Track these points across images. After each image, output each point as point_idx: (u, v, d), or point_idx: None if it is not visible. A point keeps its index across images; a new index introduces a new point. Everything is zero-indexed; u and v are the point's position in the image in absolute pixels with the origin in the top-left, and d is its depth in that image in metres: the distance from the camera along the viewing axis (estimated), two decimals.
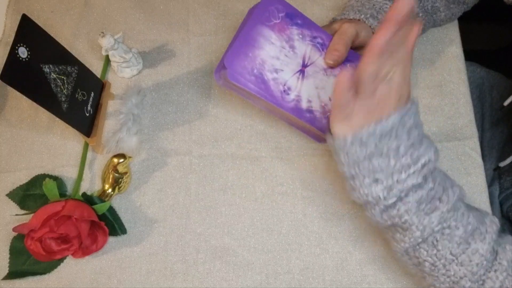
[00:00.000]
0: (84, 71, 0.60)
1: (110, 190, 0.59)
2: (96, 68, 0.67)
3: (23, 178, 0.62)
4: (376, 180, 0.43)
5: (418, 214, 0.43)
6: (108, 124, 0.64)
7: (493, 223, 0.46)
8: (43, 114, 0.66)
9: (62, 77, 0.55)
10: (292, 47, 0.52)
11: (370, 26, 0.55)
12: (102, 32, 0.60)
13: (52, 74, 0.53)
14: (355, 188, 0.45)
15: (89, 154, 0.63)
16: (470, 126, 0.61)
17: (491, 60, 0.84)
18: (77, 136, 0.64)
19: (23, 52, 0.49)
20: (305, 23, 0.53)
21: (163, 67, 0.68)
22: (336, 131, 0.44)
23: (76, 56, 0.58)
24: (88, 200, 0.58)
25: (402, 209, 0.43)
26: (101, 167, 0.62)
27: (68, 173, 0.63)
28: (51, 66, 0.53)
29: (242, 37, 0.50)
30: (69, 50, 0.57)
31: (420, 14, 0.58)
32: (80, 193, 0.59)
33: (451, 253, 0.43)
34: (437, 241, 0.43)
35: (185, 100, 0.65)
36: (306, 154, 0.61)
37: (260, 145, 0.62)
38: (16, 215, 0.60)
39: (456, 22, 0.66)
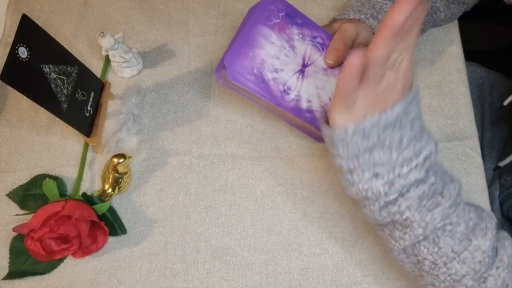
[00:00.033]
0: (84, 71, 0.60)
1: (110, 190, 0.59)
2: (96, 68, 0.67)
3: (23, 178, 0.62)
4: (376, 175, 0.41)
5: (420, 210, 0.41)
6: (108, 124, 0.64)
7: (491, 218, 0.44)
8: (43, 114, 0.66)
9: (62, 77, 0.55)
10: (292, 46, 0.52)
11: (370, 26, 0.55)
12: (102, 32, 0.60)
13: (52, 74, 0.53)
14: (353, 183, 0.42)
15: (89, 154, 0.63)
16: (470, 126, 0.61)
17: (491, 60, 0.84)
18: (77, 136, 0.64)
19: (23, 52, 0.49)
20: (305, 22, 0.53)
21: (163, 67, 0.68)
22: (336, 120, 0.41)
23: (76, 56, 0.58)
24: (88, 200, 0.58)
25: (403, 205, 0.41)
26: (101, 167, 0.62)
27: (68, 173, 0.63)
28: (51, 66, 0.53)
29: (242, 37, 0.50)
30: (69, 50, 0.57)
31: None
32: (80, 193, 0.59)
33: (452, 251, 0.42)
34: (438, 238, 0.42)
35: (185, 100, 0.65)
36: (306, 154, 0.61)
37: (260, 145, 0.62)
38: (16, 215, 0.60)
39: (456, 22, 0.66)
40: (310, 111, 0.52)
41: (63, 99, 0.55)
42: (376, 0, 0.57)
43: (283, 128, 0.63)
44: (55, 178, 0.62)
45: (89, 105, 0.61)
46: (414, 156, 0.40)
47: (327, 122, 0.44)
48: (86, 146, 0.63)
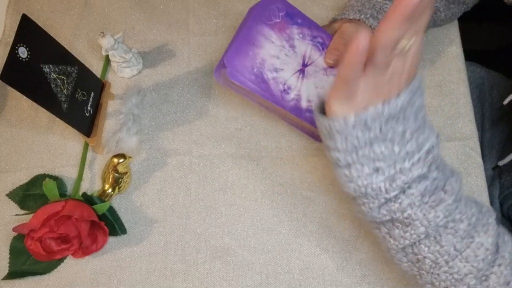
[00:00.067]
0: (84, 71, 0.60)
1: (110, 190, 0.59)
2: (96, 68, 0.67)
3: (23, 178, 0.62)
4: (376, 170, 0.38)
5: (423, 207, 0.39)
6: (108, 124, 0.64)
7: (491, 213, 0.43)
8: (43, 114, 0.66)
9: (62, 77, 0.55)
10: (292, 46, 0.52)
11: (370, 26, 0.55)
12: (102, 32, 0.60)
13: (52, 74, 0.53)
14: (352, 179, 0.39)
15: (89, 154, 0.63)
16: (470, 126, 0.61)
17: (491, 60, 0.84)
18: (77, 136, 0.64)
19: (23, 52, 0.49)
20: (305, 22, 0.53)
21: (163, 67, 0.68)
22: (335, 110, 0.38)
23: (76, 56, 0.58)
24: (88, 200, 0.58)
25: (405, 203, 0.38)
26: (101, 167, 0.62)
27: (68, 173, 0.63)
28: (51, 66, 0.53)
29: (243, 36, 0.50)
30: (69, 50, 0.57)
31: None
32: (80, 193, 0.59)
33: (455, 249, 0.40)
34: (440, 236, 0.40)
35: (185, 100, 0.65)
36: (306, 154, 0.61)
37: (260, 145, 0.62)
38: (16, 215, 0.60)
39: (456, 22, 0.66)
40: (310, 110, 0.53)
41: (63, 99, 0.55)
42: (376, 0, 0.57)
43: (283, 128, 0.63)
44: (55, 178, 0.62)
45: (89, 105, 0.61)
46: (416, 150, 0.38)
47: (322, 111, 0.41)
48: (86, 146, 0.63)
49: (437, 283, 0.42)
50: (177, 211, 0.60)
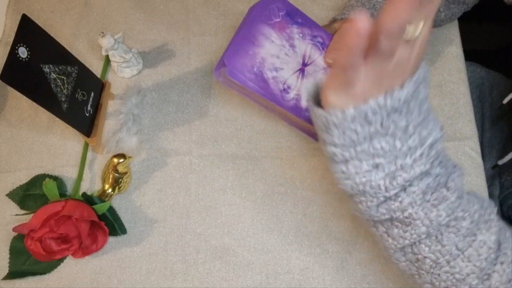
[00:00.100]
0: (84, 71, 0.60)
1: (110, 190, 0.59)
2: (96, 68, 0.67)
3: (23, 178, 0.62)
4: (376, 166, 0.35)
5: (424, 206, 0.36)
6: (108, 124, 0.64)
7: (492, 207, 0.41)
8: (43, 114, 0.66)
9: (62, 77, 0.55)
10: (292, 45, 0.52)
11: None
12: (102, 32, 0.60)
13: (52, 74, 0.53)
14: (349, 176, 0.37)
15: (89, 154, 0.63)
16: (470, 126, 0.61)
17: (491, 60, 0.84)
18: (77, 136, 0.64)
19: (23, 52, 0.49)
20: (305, 22, 0.53)
21: (163, 67, 0.68)
22: (332, 101, 0.35)
23: (76, 56, 0.58)
24: (88, 200, 0.58)
25: (405, 201, 0.36)
26: (101, 167, 0.62)
27: (68, 173, 0.63)
28: (51, 66, 0.53)
29: (243, 35, 0.50)
30: (69, 50, 0.57)
31: None
32: (80, 193, 0.59)
33: (457, 248, 0.38)
34: (441, 235, 0.37)
35: (185, 100, 0.65)
36: (306, 154, 0.61)
37: (260, 145, 0.62)
38: (16, 215, 0.60)
39: (456, 22, 0.66)
40: None
41: (63, 99, 0.55)
42: (376, 0, 0.57)
43: (283, 128, 0.63)
44: (55, 178, 0.62)
45: (89, 105, 0.61)
46: (419, 145, 0.35)
47: (317, 103, 0.38)
48: (86, 146, 0.63)
49: (437, 283, 0.40)
50: (177, 211, 0.60)
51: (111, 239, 0.59)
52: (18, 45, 0.49)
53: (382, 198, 0.37)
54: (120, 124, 0.61)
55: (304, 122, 0.53)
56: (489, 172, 0.70)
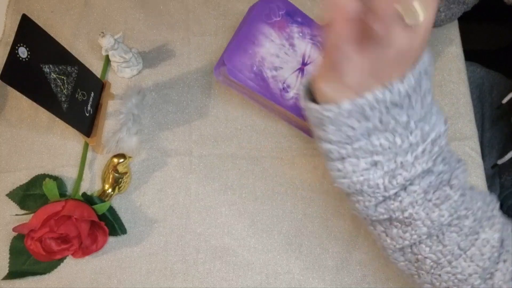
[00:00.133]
0: (84, 71, 0.60)
1: (110, 190, 0.59)
2: (96, 68, 0.67)
3: (23, 178, 0.62)
4: (375, 164, 0.33)
5: (426, 205, 0.34)
6: (108, 124, 0.64)
7: (495, 202, 0.39)
8: (43, 114, 0.66)
9: (62, 77, 0.55)
10: (292, 45, 0.52)
11: None
12: (102, 32, 0.60)
13: (52, 74, 0.53)
14: (346, 174, 0.34)
15: (89, 154, 0.63)
16: (470, 126, 0.61)
17: (491, 60, 0.84)
18: (77, 136, 0.64)
19: (23, 52, 0.49)
20: (305, 21, 0.54)
21: (163, 67, 0.68)
22: (325, 93, 0.32)
23: (76, 56, 0.58)
24: (88, 200, 0.58)
25: (405, 201, 0.34)
26: (101, 167, 0.62)
27: (68, 173, 0.63)
28: (51, 66, 0.53)
29: (242, 34, 0.50)
30: (69, 50, 0.57)
31: None
32: (80, 193, 0.59)
33: (459, 247, 0.36)
34: (443, 234, 0.35)
35: (185, 100, 0.65)
36: (306, 154, 0.61)
37: (260, 145, 0.62)
38: (16, 215, 0.60)
39: (456, 22, 0.66)
40: None
41: (63, 99, 0.55)
42: None
43: (283, 128, 0.63)
44: (55, 178, 0.62)
45: (89, 105, 0.61)
46: (421, 141, 0.33)
47: (311, 98, 0.35)
48: (86, 146, 0.63)
49: (437, 284, 0.38)
50: (177, 211, 0.60)
51: (111, 239, 0.59)
52: (18, 45, 0.49)
53: (380, 198, 0.35)
54: (120, 124, 0.61)
55: (303, 121, 0.53)
56: (489, 172, 0.70)
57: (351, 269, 0.56)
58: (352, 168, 0.34)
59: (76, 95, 0.58)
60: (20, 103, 0.67)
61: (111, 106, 0.65)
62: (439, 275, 0.37)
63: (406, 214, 0.35)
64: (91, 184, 0.62)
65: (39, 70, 0.52)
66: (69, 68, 0.56)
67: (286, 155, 0.61)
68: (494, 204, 0.39)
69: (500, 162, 0.65)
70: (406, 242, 0.37)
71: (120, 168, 0.59)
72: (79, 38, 0.70)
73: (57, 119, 0.55)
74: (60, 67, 0.55)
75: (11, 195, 0.62)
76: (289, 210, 0.59)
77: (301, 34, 0.53)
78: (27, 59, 0.49)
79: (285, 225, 0.58)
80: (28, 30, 0.50)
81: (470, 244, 0.36)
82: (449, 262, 0.36)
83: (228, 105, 0.64)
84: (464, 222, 0.35)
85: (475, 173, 0.59)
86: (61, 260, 0.59)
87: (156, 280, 0.57)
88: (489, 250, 0.36)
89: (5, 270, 0.58)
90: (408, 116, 0.32)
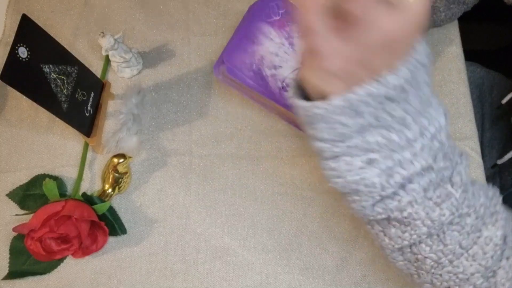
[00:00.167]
0: (84, 71, 0.60)
1: (110, 190, 0.59)
2: (96, 68, 0.67)
3: (23, 178, 0.62)
4: (370, 162, 0.31)
5: (426, 204, 0.32)
6: (108, 124, 0.64)
7: (497, 196, 0.37)
8: (43, 114, 0.66)
9: (62, 77, 0.55)
10: (291, 44, 0.52)
11: None
12: (102, 32, 0.60)
13: (52, 74, 0.53)
14: (339, 173, 0.32)
15: (89, 154, 0.63)
16: (470, 126, 0.61)
17: (491, 60, 0.84)
18: (77, 136, 0.64)
19: (23, 52, 0.49)
20: None
21: (163, 67, 0.68)
22: (313, 83, 0.30)
23: (76, 56, 0.58)
24: (88, 200, 0.58)
25: (404, 200, 0.32)
26: (101, 167, 0.62)
27: (68, 173, 0.63)
28: (51, 66, 0.53)
29: (242, 33, 0.50)
30: (69, 50, 0.57)
31: None
32: (80, 193, 0.59)
33: (460, 246, 0.34)
34: (444, 233, 0.34)
35: (185, 100, 0.65)
36: (306, 154, 0.61)
37: (260, 145, 0.62)
38: (16, 215, 0.60)
39: (456, 22, 0.66)
40: None
41: (63, 99, 0.55)
42: None
43: (283, 128, 0.63)
44: (55, 178, 0.62)
45: (89, 105, 0.61)
46: (419, 136, 0.31)
47: (302, 94, 0.33)
48: (86, 146, 0.63)
49: (438, 283, 0.37)
50: (177, 211, 0.60)
51: (111, 239, 0.59)
52: (18, 45, 0.49)
53: (378, 197, 0.33)
54: (120, 124, 0.61)
55: None
56: (489, 172, 0.70)
57: (351, 269, 0.56)
58: (347, 167, 0.32)
59: (76, 95, 0.58)
60: (20, 103, 0.67)
61: (111, 106, 0.65)
62: (440, 274, 0.36)
63: (405, 214, 0.33)
64: (91, 184, 0.62)
65: (39, 70, 0.52)
66: (69, 68, 0.56)
67: (286, 155, 0.61)
68: (496, 198, 0.37)
69: (500, 162, 0.65)
70: (405, 242, 0.35)
71: (120, 168, 0.59)
72: (79, 38, 0.70)
73: (57, 119, 0.54)
74: (60, 67, 0.55)
75: (11, 195, 0.62)
76: (289, 210, 0.59)
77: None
78: (27, 59, 0.49)
79: (285, 225, 0.58)
80: (28, 30, 0.50)
81: (472, 242, 0.34)
82: (451, 262, 0.35)
83: (228, 105, 0.64)
84: (466, 220, 0.34)
85: (475, 173, 0.58)
86: (61, 260, 0.59)
87: (156, 280, 0.57)
88: (492, 248, 0.34)
89: (5, 270, 0.58)
90: (404, 110, 0.30)
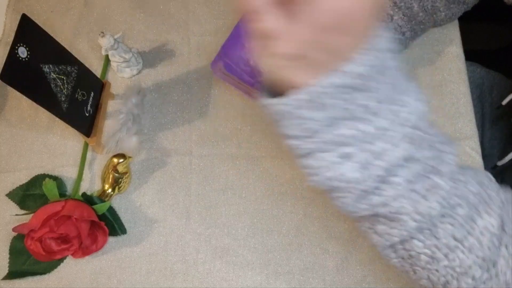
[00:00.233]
0: (84, 71, 0.60)
1: (110, 190, 0.59)
2: (96, 68, 0.67)
3: (23, 178, 0.62)
4: (345, 156, 0.29)
5: (412, 198, 0.31)
6: (108, 124, 0.64)
7: (490, 182, 0.35)
8: (43, 114, 0.66)
9: (62, 77, 0.55)
10: None
11: None
12: (102, 32, 0.60)
13: (52, 74, 0.53)
14: (316, 171, 0.31)
15: (89, 154, 0.63)
16: (470, 126, 0.61)
17: (491, 60, 0.84)
18: (77, 136, 0.64)
19: (23, 52, 0.49)
20: None
21: (163, 67, 0.68)
22: (273, 71, 0.29)
23: (76, 56, 0.58)
24: (88, 200, 0.58)
25: (387, 194, 0.30)
26: (101, 167, 0.62)
27: (68, 173, 0.63)
28: (51, 66, 0.53)
29: (239, 29, 0.50)
30: (69, 50, 0.57)
31: (420, 14, 0.58)
32: (80, 193, 0.59)
33: (455, 239, 0.32)
34: (435, 227, 0.32)
35: (185, 100, 0.65)
36: None
37: (260, 145, 0.62)
38: (16, 215, 0.60)
39: (456, 22, 0.66)
40: None
41: (63, 99, 0.55)
42: None
43: None
44: (55, 178, 0.62)
45: (89, 105, 0.61)
46: (391, 125, 0.29)
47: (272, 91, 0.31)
48: (86, 146, 0.63)
49: (435, 279, 0.35)
50: (177, 211, 0.60)
51: (111, 239, 0.59)
52: (18, 45, 0.49)
53: (359, 193, 0.31)
54: (120, 124, 0.61)
55: None
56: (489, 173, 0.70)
57: (351, 269, 0.56)
58: (322, 164, 0.30)
59: (76, 95, 0.58)
60: (20, 103, 0.67)
61: (111, 106, 0.65)
62: (436, 270, 0.34)
63: (390, 209, 0.31)
64: (91, 184, 0.62)
65: (39, 70, 0.52)
66: (69, 68, 0.56)
67: (286, 155, 0.61)
68: (488, 182, 0.35)
69: (500, 163, 0.65)
70: (395, 239, 0.33)
71: (120, 168, 0.59)
72: (79, 38, 0.70)
73: (57, 119, 0.54)
74: (60, 67, 0.55)
75: (11, 195, 0.62)
76: (289, 210, 0.59)
77: None
78: (27, 59, 0.49)
79: (285, 225, 0.58)
80: (28, 30, 0.50)
81: (467, 233, 0.32)
82: (446, 256, 0.33)
83: (228, 105, 0.64)
84: (458, 212, 0.32)
85: None
86: (61, 260, 0.59)
87: (156, 280, 0.57)
88: (488, 238, 0.32)
89: (5, 270, 0.58)
90: (374, 99, 0.28)
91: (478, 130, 0.61)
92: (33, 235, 0.52)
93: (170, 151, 0.63)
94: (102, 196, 0.59)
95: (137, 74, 0.67)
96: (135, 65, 0.66)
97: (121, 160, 0.58)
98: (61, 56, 0.56)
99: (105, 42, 0.60)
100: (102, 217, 0.58)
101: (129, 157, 0.59)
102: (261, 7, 0.26)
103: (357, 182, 0.30)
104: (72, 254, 0.56)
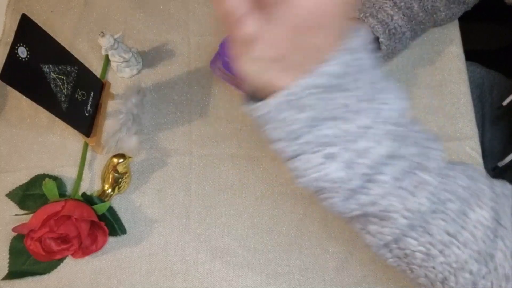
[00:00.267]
0: (84, 71, 0.60)
1: (110, 190, 0.59)
2: (96, 68, 0.67)
3: (23, 178, 0.62)
4: (329, 156, 0.30)
5: (400, 195, 0.31)
6: (108, 124, 0.64)
7: (479, 174, 0.35)
8: (43, 114, 0.66)
9: (62, 77, 0.55)
10: None
11: (369, 25, 0.55)
12: (102, 32, 0.60)
13: (51, 74, 0.53)
14: (302, 172, 0.31)
15: (89, 154, 0.63)
16: (470, 126, 0.61)
17: (491, 60, 0.84)
18: (77, 136, 0.64)
19: (22, 52, 0.49)
20: None
21: (163, 67, 0.68)
22: (257, 77, 0.29)
23: (76, 56, 0.58)
24: (88, 200, 0.58)
25: (375, 193, 0.31)
26: (101, 167, 0.62)
27: (68, 173, 0.63)
28: (50, 66, 0.53)
29: None
30: (69, 50, 0.57)
31: (420, 14, 0.58)
32: (80, 193, 0.59)
33: (448, 234, 0.32)
34: (428, 223, 0.32)
35: (185, 100, 0.65)
36: None
37: (260, 145, 0.62)
38: (16, 215, 0.60)
39: (456, 22, 0.66)
40: None
41: (63, 99, 0.55)
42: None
43: None
44: (55, 178, 0.61)
45: (89, 105, 0.61)
46: (372, 123, 0.30)
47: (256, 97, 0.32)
48: (86, 146, 0.63)
49: (432, 276, 0.35)
50: (177, 211, 0.60)
51: (111, 239, 0.59)
52: (18, 45, 0.49)
53: (346, 192, 0.31)
54: (120, 124, 0.61)
55: None
56: (490, 175, 0.70)
57: (351, 269, 0.56)
58: (307, 165, 0.31)
59: (76, 95, 0.58)
60: (20, 103, 0.67)
61: (111, 106, 0.65)
62: (433, 267, 0.34)
63: (379, 207, 0.31)
64: (91, 184, 0.62)
65: (38, 70, 0.52)
66: (68, 68, 0.56)
67: None
68: (478, 176, 0.35)
69: (500, 164, 0.65)
70: (388, 238, 0.33)
71: (120, 168, 0.59)
72: (79, 38, 0.70)
73: (57, 119, 0.54)
74: (60, 67, 0.55)
75: (11, 195, 0.62)
76: (289, 210, 0.59)
77: None
78: (26, 59, 0.49)
79: (285, 225, 0.58)
80: (28, 30, 0.50)
81: (460, 228, 0.32)
82: (441, 252, 0.33)
83: (228, 105, 0.64)
84: (448, 205, 0.32)
85: None
86: (61, 260, 0.59)
87: (156, 280, 0.57)
88: (482, 231, 0.32)
89: (4, 270, 0.58)
90: (352, 98, 0.29)
91: (478, 130, 0.61)
92: (33, 235, 0.52)
93: (170, 151, 0.63)
94: (102, 196, 0.59)
95: (137, 74, 0.67)
96: (135, 65, 0.66)
97: (121, 160, 0.58)
98: (61, 56, 0.56)
99: (105, 42, 0.60)
100: (102, 217, 0.58)
101: (129, 157, 0.59)
102: (239, 9, 0.26)
103: (342, 181, 0.30)
104: (72, 254, 0.56)
